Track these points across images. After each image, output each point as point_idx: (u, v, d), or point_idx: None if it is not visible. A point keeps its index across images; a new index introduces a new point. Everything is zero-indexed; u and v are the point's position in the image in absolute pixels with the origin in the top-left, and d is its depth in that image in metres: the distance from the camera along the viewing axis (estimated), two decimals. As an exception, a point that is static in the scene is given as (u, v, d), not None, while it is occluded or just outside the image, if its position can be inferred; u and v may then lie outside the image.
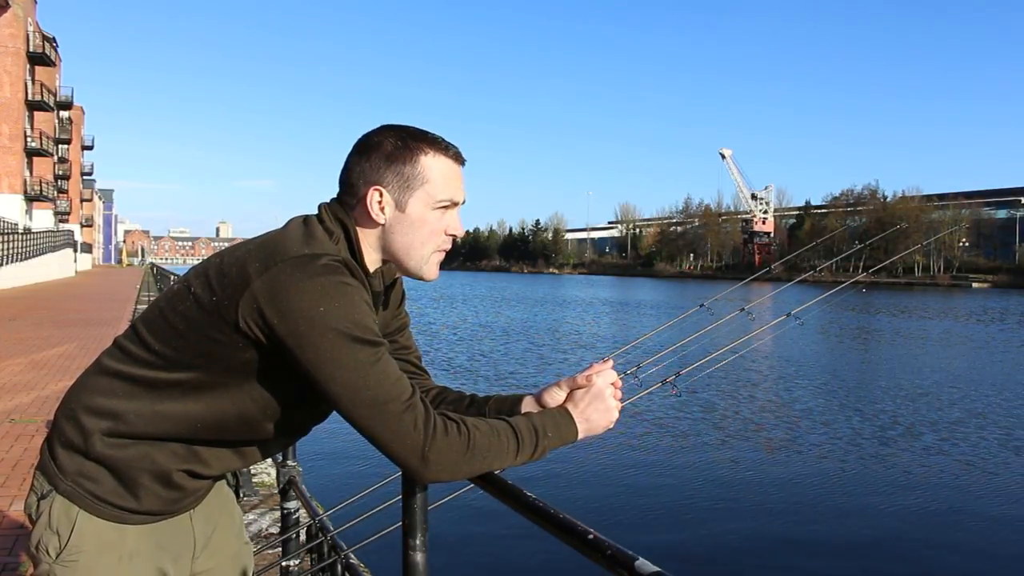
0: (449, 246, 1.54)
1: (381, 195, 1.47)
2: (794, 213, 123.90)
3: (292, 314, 1.29)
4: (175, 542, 1.56)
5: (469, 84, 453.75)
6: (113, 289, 33.33)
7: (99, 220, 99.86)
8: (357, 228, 1.47)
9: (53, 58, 49.57)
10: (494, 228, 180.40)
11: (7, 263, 28.71)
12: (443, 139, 1.51)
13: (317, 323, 1.28)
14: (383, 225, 1.48)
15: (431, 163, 1.46)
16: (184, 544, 1.58)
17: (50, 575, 1.44)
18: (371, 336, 1.31)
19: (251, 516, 4.64)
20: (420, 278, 1.53)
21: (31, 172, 47.95)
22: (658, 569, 0.96)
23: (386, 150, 1.47)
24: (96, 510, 1.44)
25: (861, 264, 70.96)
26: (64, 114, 56.63)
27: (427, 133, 1.50)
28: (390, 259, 1.52)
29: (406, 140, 1.47)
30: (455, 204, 1.51)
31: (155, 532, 1.51)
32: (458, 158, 1.51)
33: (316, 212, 1.49)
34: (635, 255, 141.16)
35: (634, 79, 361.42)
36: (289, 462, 3.23)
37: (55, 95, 51.41)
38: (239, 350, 1.37)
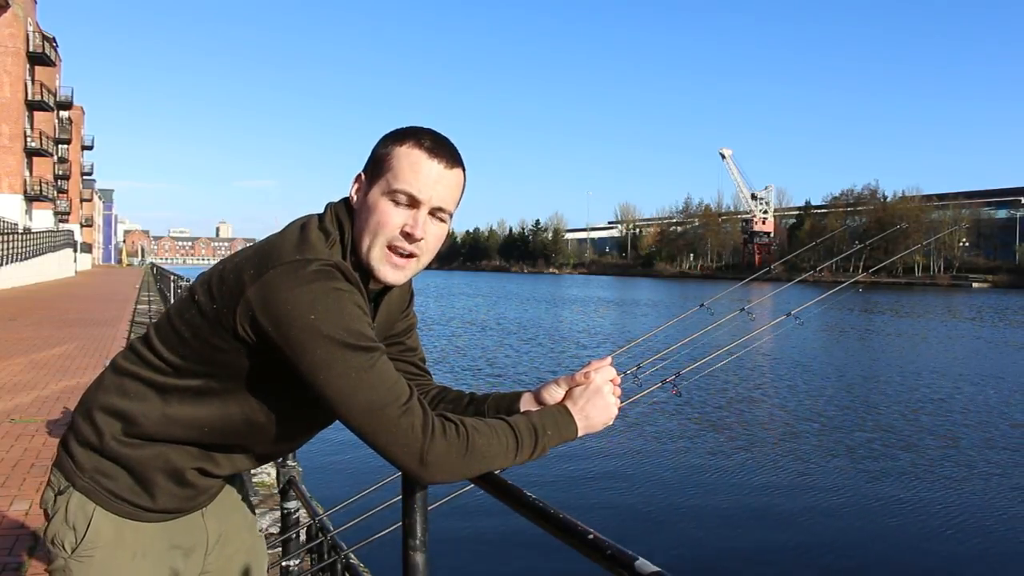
0: (408, 247, 1.43)
1: (359, 182, 1.48)
2: (794, 213, 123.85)
3: (284, 322, 1.29)
4: (188, 539, 1.58)
5: (470, 84, 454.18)
6: (113, 289, 33.33)
7: (99, 220, 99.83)
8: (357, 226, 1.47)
9: (53, 58, 49.54)
10: (494, 228, 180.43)
11: (7, 263, 28.69)
12: (433, 136, 1.45)
13: (309, 331, 1.28)
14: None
15: (400, 153, 1.42)
16: (197, 541, 1.60)
17: (65, 570, 1.46)
18: (365, 342, 1.30)
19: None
20: (375, 276, 1.45)
21: (31, 172, 47.94)
22: (658, 569, 0.95)
23: (379, 141, 1.48)
24: (112, 507, 1.46)
25: (861, 264, 70.92)
26: (64, 114, 56.61)
27: (421, 129, 1.46)
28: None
29: (396, 132, 1.46)
30: (416, 201, 1.42)
31: (169, 530, 1.53)
32: (436, 154, 1.42)
33: (321, 212, 1.49)
34: (635, 255, 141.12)
35: (634, 79, 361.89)
36: (289, 462, 3.24)
37: (55, 95, 51.39)
38: (240, 356, 1.37)
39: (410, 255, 1.44)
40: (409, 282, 1.60)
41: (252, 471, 5.58)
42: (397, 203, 1.42)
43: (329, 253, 1.39)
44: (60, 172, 57.65)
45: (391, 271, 1.44)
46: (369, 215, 1.43)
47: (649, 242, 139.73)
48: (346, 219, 1.46)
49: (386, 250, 1.43)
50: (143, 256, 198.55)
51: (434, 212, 1.44)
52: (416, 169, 1.41)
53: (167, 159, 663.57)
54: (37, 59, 46.30)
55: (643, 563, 0.97)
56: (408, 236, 1.42)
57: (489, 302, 45.61)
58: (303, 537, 2.95)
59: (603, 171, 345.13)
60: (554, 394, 1.52)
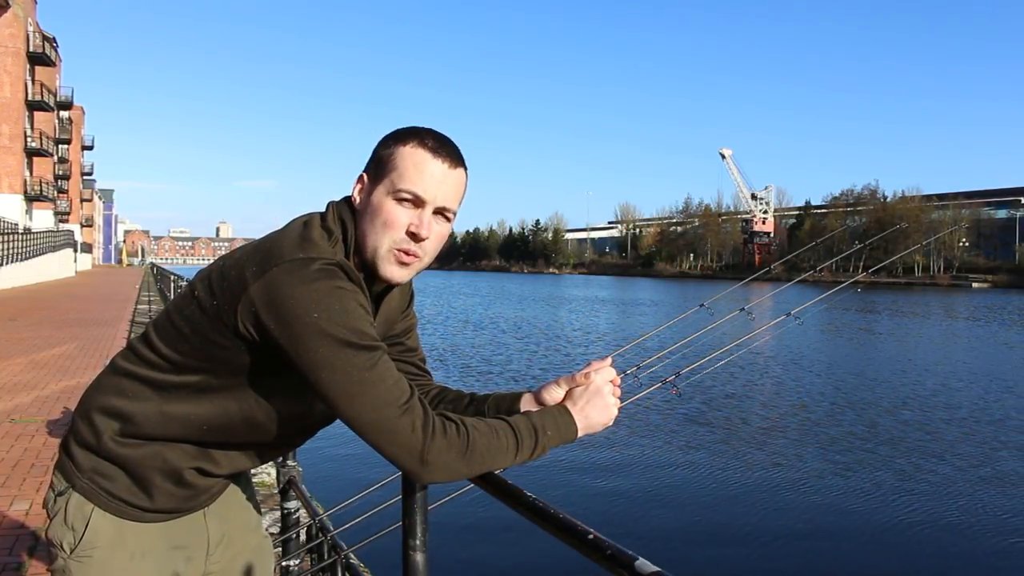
0: (413, 248, 1.42)
1: (362, 182, 1.47)
2: (794, 213, 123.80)
3: (287, 320, 1.29)
4: (189, 540, 1.57)
5: (470, 84, 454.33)
6: (113, 289, 33.32)
7: (99, 220, 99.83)
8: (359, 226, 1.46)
9: (53, 58, 49.53)
10: (494, 228, 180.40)
11: (7, 263, 28.70)
12: (435, 136, 1.44)
13: (312, 330, 1.27)
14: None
15: (404, 152, 1.41)
16: (198, 542, 1.60)
17: (65, 570, 1.47)
18: (367, 341, 1.30)
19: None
20: (380, 275, 1.45)
21: (31, 172, 47.93)
22: (658, 569, 0.96)
23: (381, 142, 1.47)
24: (110, 507, 1.46)
25: (861, 264, 70.93)
26: (64, 114, 56.60)
27: (423, 129, 1.45)
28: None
29: (398, 132, 1.46)
30: (421, 201, 1.41)
31: (168, 530, 1.53)
32: (440, 154, 1.42)
33: (323, 210, 1.48)
34: (635, 255, 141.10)
35: (634, 79, 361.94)
36: (289, 462, 3.24)
37: (55, 95, 51.38)
38: (241, 353, 1.37)
39: (414, 254, 1.44)
40: (410, 282, 1.60)
41: (252, 471, 5.59)
42: (402, 203, 1.41)
43: (332, 252, 1.38)
44: (60, 172, 57.64)
45: (396, 270, 1.44)
46: (375, 215, 1.42)
47: (649, 242, 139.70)
48: (349, 218, 1.45)
49: (391, 250, 1.42)
50: (143, 256, 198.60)
51: (439, 212, 1.44)
52: (421, 169, 1.41)
53: (167, 159, 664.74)
54: (37, 59, 46.28)
55: (643, 563, 0.97)
56: (414, 236, 1.42)
57: (488, 302, 45.59)
58: (303, 537, 2.95)
59: (603, 171, 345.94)
60: (554, 394, 1.52)
